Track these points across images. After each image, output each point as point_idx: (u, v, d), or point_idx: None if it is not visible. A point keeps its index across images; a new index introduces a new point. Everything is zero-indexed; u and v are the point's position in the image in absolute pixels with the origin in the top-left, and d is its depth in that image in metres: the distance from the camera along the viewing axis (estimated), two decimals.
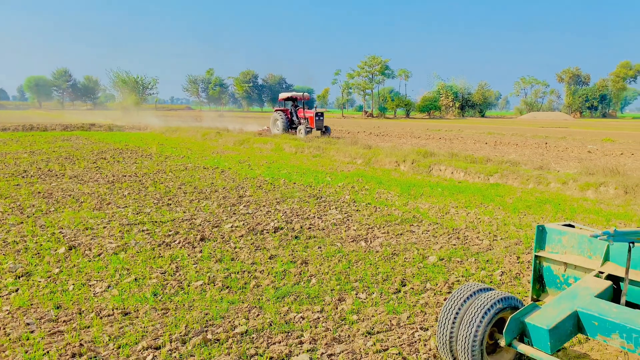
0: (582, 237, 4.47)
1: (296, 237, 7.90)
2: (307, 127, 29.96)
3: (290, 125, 31.85)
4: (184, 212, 9.58)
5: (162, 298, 5.37)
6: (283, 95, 33.67)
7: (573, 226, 4.79)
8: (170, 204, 10.37)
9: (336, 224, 8.92)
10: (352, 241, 7.81)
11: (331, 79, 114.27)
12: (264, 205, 10.38)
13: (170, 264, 6.47)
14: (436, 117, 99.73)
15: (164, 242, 7.51)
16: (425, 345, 4.43)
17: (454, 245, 7.72)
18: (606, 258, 4.27)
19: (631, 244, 3.91)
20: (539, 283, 4.82)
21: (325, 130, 30.57)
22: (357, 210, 10.10)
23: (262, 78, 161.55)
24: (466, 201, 11.31)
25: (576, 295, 3.97)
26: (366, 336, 4.57)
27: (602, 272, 4.23)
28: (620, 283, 4.04)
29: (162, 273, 6.14)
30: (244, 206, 10.26)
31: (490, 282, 6.07)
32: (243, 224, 8.65)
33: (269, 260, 6.75)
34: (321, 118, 30.38)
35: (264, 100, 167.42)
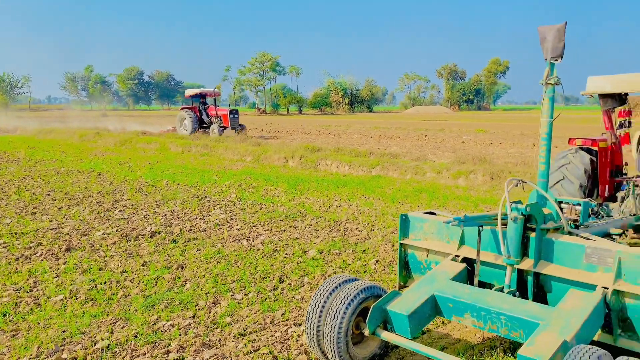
0: (440, 224, 4.72)
1: (174, 241, 7.57)
2: (220, 126, 27.94)
3: (200, 125, 29.14)
4: (50, 221, 8.79)
5: (13, 318, 4.84)
6: (190, 91, 30.75)
7: (435, 214, 5.05)
8: (35, 213, 9.47)
9: (219, 224, 8.69)
10: (234, 241, 7.65)
11: (221, 75, 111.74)
12: (141, 209, 9.84)
13: (27, 279, 5.87)
14: (328, 113, 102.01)
15: (22, 255, 6.81)
16: (297, 341, 4.42)
17: (334, 237, 7.86)
18: (462, 242, 4.54)
19: (480, 228, 4.19)
20: (405, 270, 5.02)
21: (241, 129, 28.55)
22: (242, 209, 9.94)
23: (149, 75, 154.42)
24: (349, 194, 11.60)
25: (434, 280, 4.17)
26: (238, 338, 4.46)
27: (458, 256, 4.49)
28: (475, 265, 4.32)
29: (17, 290, 5.55)
30: (120, 211, 9.65)
31: (365, 271, 6.24)
32: (116, 230, 8.12)
33: (141, 267, 6.38)
34: (236, 116, 28.38)
35: (152, 98, 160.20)
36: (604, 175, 6.45)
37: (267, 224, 8.68)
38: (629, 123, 6.94)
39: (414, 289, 4.10)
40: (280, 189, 12.29)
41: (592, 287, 3.73)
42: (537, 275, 4.07)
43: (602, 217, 5.14)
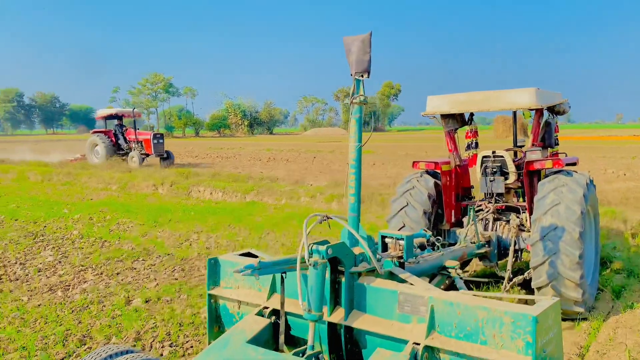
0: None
1: None
2: (141, 153, 23.24)
3: (117, 151, 24.49)
4: None
5: None
6: (102, 112, 25.99)
7: (253, 255, 4.29)
8: None
9: (40, 270, 7.35)
10: (48, 291, 6.39)
11: (109, 96, 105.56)
12: None
13: None
14: (227, 135, 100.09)
15: None
16: None
17: (174, 279, 6.88)
18: (272, 290, 3.81)
19: (283, 275, 3.49)
20: (217, 324, 4.19)
21: (168, 157, 23.98)
22: (78, 249, 8.61)
23: (29, 97, 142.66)
24: (214, 224, 10.66)
25: (227, 343, 3.38)
26: None
27: (267, 307, 3.75)
28: (288, 317, 3.60)
29: None
30: None
31: (192, 323, 5.33)
32: None
33: None
34: (161, 141, 23.67)
35: (34, 121, 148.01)
36: (449, 199, 6.14)
37: (100, 267, 7.49)
38: (476, 144, 6.75)
39: (203, 356, 3.28)
40: (137, 221, 11.04)
41: (405, 342, 3.15)
42: (349, 329, 3.43)
43: (438, 248, 4.69)
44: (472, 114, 6.53)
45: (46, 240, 9.24)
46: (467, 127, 6.64)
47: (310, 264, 3.18)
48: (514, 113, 6.72)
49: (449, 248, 4.99)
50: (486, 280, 6.23)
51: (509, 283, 5.36)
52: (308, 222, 3.31)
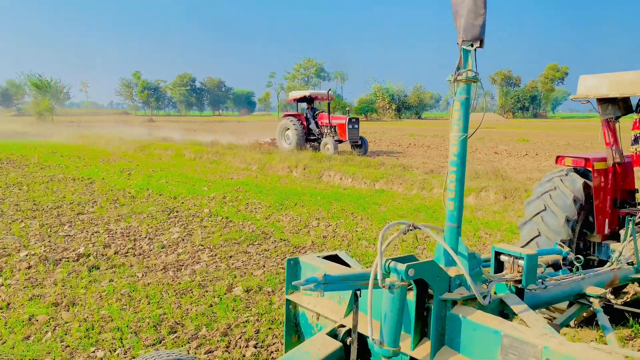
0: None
1: (94, 268, 6.54)
2: (335, 140, 21.11)
3: (308, 137, 22.36)
4: None
5: None
6: (295, 94, 23.66)
7: (338, 259, 3.74)
8: None
9: (163, 246, 7.63)
10: (162, 270, 6.54)
11: (266, 81, 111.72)
12: (95, 224, 8.94)
13: None
14: (373, 119, 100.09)
15: None
16: None
17: (282, 268, 6.61)
18: (351, 304, 3.20)
19: (358, 292, 2.86)
20: (296, 333, 3.72)
21: (362, 144, 21.73)
22: (204, 227, 8.85)
23: (200, 81, 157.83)
24: (337, 211, 10.30)
25: None
26: None
27: (343, 326, 3.17)
28: (353, 343, 2.98)
29: None
30: (70, 226, 8.78)
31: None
32: (44, 251, 7.20)
33: (27, 302, 5.38)
34: (356, 126, 21.29)
35: (204, 103, 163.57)
36: (602, 205, 4.88)
37: (218, 248, 7.54)
38: None
39: None
40: (265, 202, 11.13)
41: None
42: None
43: (578, 269, 3.65)
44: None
45: (179, 217, 9.68)
46: (634, 116, 5.25)
47: (384, 286, 2.52)
48: None
49: (592, 270, 3.88)
50: None
51: None
52: (386, 232, 2.63)
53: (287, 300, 3.65)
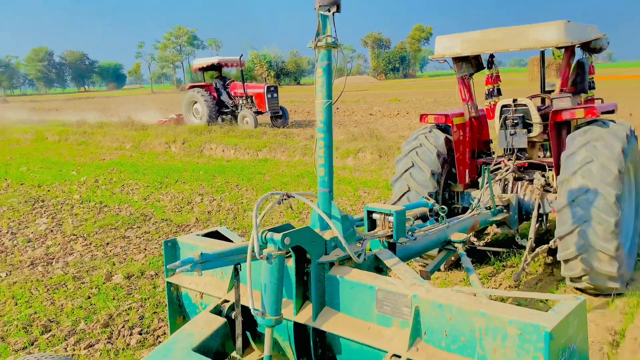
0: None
1: None
2: (255, 111, 18.72)
3: (220, 110, 19.76)
4: None
5: None
6: (200, 62, 20.37)
7: (220, 235, 3.66)
8: None
9: (30, 240, 6.97)
10: (29, 266, 5.99)
11: (134, 52, 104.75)
12: None
13: None
14: None
15: None
16: None
17: None
18: (233, 279, 3.18)
19: (238, 266, 2.84)
20: (181, 315, 3.63)
21: (283, 114, 19.69)
22: (75, 215, 8.21)
23: (59, 55, 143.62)
24: (221, 185, 10.12)
25: (169, 351, 2.80)
26: None
27: (227, 301, 3.14)
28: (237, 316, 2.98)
29: None
30: None
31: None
32: None
33: None
34: (275, 95, 19.09)
35: (67, 79, 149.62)
36: (462, 157, 5.32)
37: (92, 236, 7.05)
38: (498, 91, 5.82)
39: None
40: (142, 182, 10.59)
41: (383, 353, 2.49)
42: (318, 331, 2.79)
43: (443, 218, 3.95)
44: (492, 56, 5.59)
45: (45, 206, 8.88)
46: (486, 72, 5.72)
47: (262, 257, 2.52)
48: (542, 53, 5.73)
49: (456, 218, 4.23)
50: (504, 250, 5.49)
51: (530, 254, 4.62)
52: (260, 204, 2.61)
53: (167, 283, 3.53)
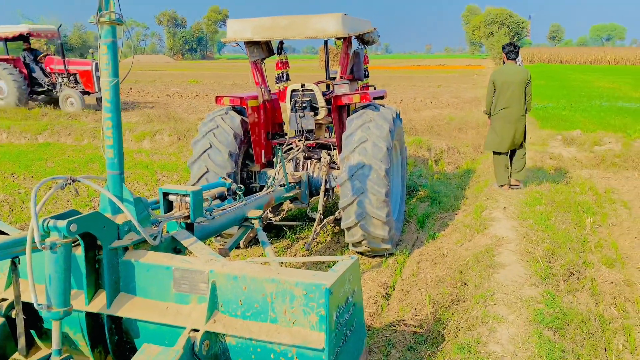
0: None
1: None
2: (81, 91, 15.97)
3: (32, 89, 16.53)
4: None
5: None
6: (3, 31, 16.50)
7: None
8: None
9: None
10: None
11: None
12: None
13: None
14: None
15: None
16: None
17: None
18: (11, 275, 2.87)
19: (16, 260, 2.60)
20: None
21: None
22: None
23: None
24: None
25: None
26: None
27: (5, 299, 2.84)
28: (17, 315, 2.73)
29: None
30: None
31: None
32: None
33: None
34: None
35: None
36: (258, 138, 5.58)
37: None
38: (287, 76, 6.20)
39: None
40: None
41: (182, 330, 2.55)
42: (114, 318, 2.72)
43: (240, 197, 4.13)
44: (281, 42, 5.92)
45: None
46: (276, 57, 6.04)
47: (44, 247, 2.35)
48: (326, 42, 6.27)
49: (253, 196, 4.45)
50: (297, 223, 5.95)
51: (319, 224, 5.10)
52: (39, 189, 2.42)
53: None
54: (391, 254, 5.22)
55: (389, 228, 4.88)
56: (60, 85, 16.35)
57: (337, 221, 5.33)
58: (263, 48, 5.54)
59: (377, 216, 4.76)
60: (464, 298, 3.95)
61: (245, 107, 5.36)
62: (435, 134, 11.46)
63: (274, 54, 5.76)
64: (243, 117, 5.46)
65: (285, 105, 5.72)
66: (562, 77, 34.37)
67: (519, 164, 6.78)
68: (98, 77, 15.91)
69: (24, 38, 16.83)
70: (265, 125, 5.70)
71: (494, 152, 6.75)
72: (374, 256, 5.21)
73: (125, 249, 2.74)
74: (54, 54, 17.17)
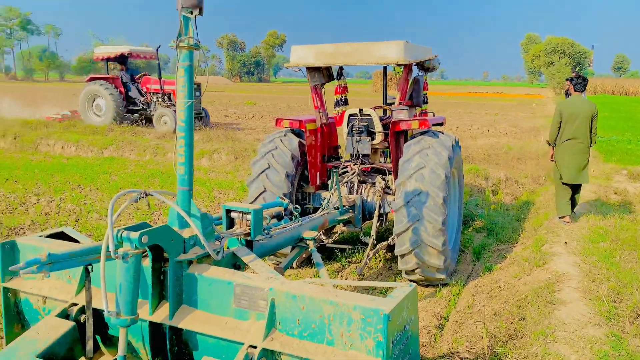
0: None
1: None
2: (174, 111, 15.73)
3: (128, 108, 16.95)
4: None
5: None
6: (104, 51, 17.28)
7: (68, 237, 3.45)
8: None
9: None
10: None
11: None
12: None
13: None
14: None
15: None
16: None
17: None
18: (83, 281, 3.04)
19: (89, 267, 2.75)
20: (20, 322, 3.35)
21: (204, 115, 17.26)
22: None
23: None
24: (61, 184, 9.31)
25: (10, 358, 2.60)
26: None
27: (75, 305, 3.00)
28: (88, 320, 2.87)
29: None
30: None
31: None
32: None
33: None
34: (198, 94, 16.11)
35: None
36: (314, 160, 5.66)
37: None
38: (345, 101, 6.29)
39: None
40: None
41: (240, 345, 2.61)
42: (175, 330, 2.81)
43: (296, 217, 4.20)
44: (341, 68, 6.03)
45: None
46: (336, 82, 6.15)
47: (117, 256, 2.48)
48: (385, 68, 6.33)
49: (308, 217, 4.51)
50: (349, 247, 5.94)
51: (372, 250, 5.08)
52: (116, 201, 2.56)
53: (4, 288, 3.24)
54: (445, 284, 5.12)
55: (444, 257, 4.80)
56: (155, 104, 16.63)
57: (390, 247, 5.29)
58: (324, 73, 5.67)
59: (433, 244, 4.69)
60: (522, 334, 3.82)
61: (303, 129, 5.47)
62: (493, 163, 11.22)
63: (333, 79, 5.87)
64: (301, 140, 5.56)
65: (342, 129, 5.80)
66: (627, 109, 32.95)
67: (576, 199, 6.72)
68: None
69: (123, 58, 17.17)
70: (321, 148, 5.79)
71: (558, 183, 6.69)
72: (427, 285, 5.13)
73: (190, 262, 2.84)
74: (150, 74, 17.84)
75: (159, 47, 16.47)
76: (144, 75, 17.47)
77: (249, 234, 3.37)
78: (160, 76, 16.58)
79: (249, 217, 3.35)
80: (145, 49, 18.09)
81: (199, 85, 16.41)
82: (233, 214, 3.43)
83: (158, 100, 16.59)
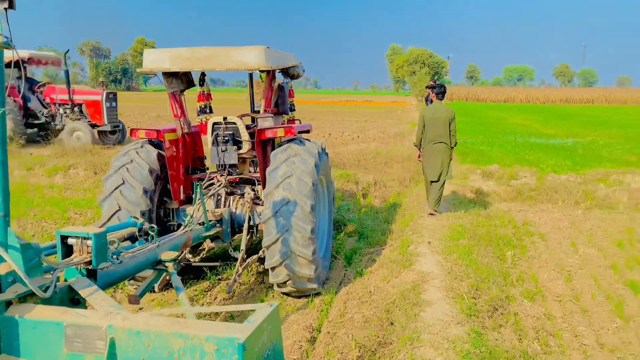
0: None
1: None
2: (88, 124, 14.43)
3: (28, 122, 14.73)
4: None
5: None
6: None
7: None
8: None
9: None
10: None
11: None
12: None
13: None
14: None
15: None
16: None
17: None
18: None
19: None
20: None
21: (121, 129, 15.54)
22: None
23: None
24: None
25: None
26: None
27: None
28: None
29: None
30: None
31: None
32: None
33: None
34: (114, 104, 15.00)
35: None
36: (176, 173, 5.27)
37: None
38: (210, 109, 5.98)
39: None
40: None
41: None
42: None
43: (153, 238, 3.81)
44: (203, 74, 5.72)
45: None
46: (198, 89, 5.81)
47: None
48: (250, 75, 6.13)
49: (167, 236, 4.13)
50: (219, 264, 5.63)
51: (242, 265, 4.83)
52: None
53: None
54: (318, 294, 5.02)
55: (315, 267, 4.70)
56: (62, 117, 14.74)
57: (262, 260, 5.08)
58: (182, 79, 5.30)
59: (303, 254, 4.57)
60: (390, 340, 3.82)
61: (162, 140, 5.06)
62: (363, 167, 11.54)
63: (194, 85, 5.54)
64: (160, 151, 5.15)
65: (207, 139, 5.48)
66: (479, 114, 36.36)
67: (437, 195, 7.29)
68: (108, 108, 14.83)
69: (18, 63, 13.76)
70: (184, 159, 5.41)
71: (426, 181, 7.48)
72: (299, 297, 5.00)
73: (9, 303, 2.37)
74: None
75: (68, 51, 14.56)
76: (44, 84, 15.41)
77: (90, 262, 2.93)
78: (69, 85, 14.58)
79: (89, 242, 2.91)
80: (48, 54, 15.91)
81: (115, 94, 15.43)
82: (71, 240, 2.96)
83: (66, 113, 14.68)
